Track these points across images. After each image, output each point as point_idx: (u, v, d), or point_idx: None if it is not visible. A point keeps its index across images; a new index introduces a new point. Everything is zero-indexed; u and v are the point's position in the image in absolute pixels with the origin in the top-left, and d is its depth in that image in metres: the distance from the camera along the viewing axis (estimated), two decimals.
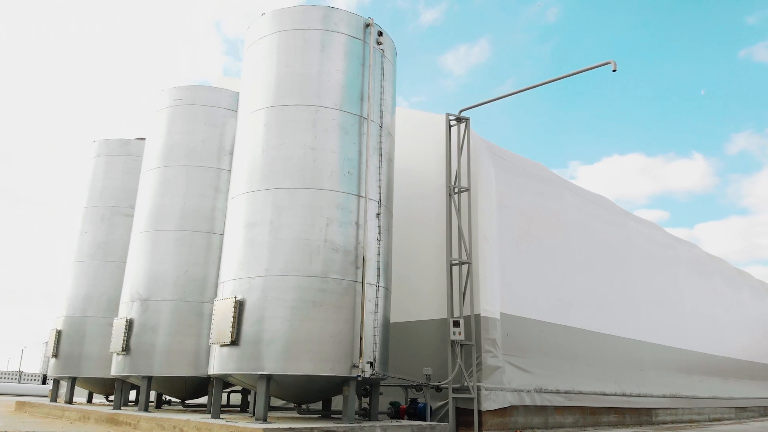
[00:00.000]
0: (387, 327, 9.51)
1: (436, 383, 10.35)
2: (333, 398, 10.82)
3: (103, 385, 14.71)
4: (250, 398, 12.33)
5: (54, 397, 15.32)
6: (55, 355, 14.42)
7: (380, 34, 10.42)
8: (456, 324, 10.30)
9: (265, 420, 8.19)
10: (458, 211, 11.21)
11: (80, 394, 17.15)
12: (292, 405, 11.76)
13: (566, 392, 12.14)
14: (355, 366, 8.56)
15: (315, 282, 8.66)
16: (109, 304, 14.54)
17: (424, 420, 10.03)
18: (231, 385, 12.24)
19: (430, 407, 10.31)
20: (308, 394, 9.23)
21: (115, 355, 11.78)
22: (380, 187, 9.75)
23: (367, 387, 9.67)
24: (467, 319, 10.66)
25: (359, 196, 9.39)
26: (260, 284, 8.69)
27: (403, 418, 10.38)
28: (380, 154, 9.93)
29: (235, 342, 8.51)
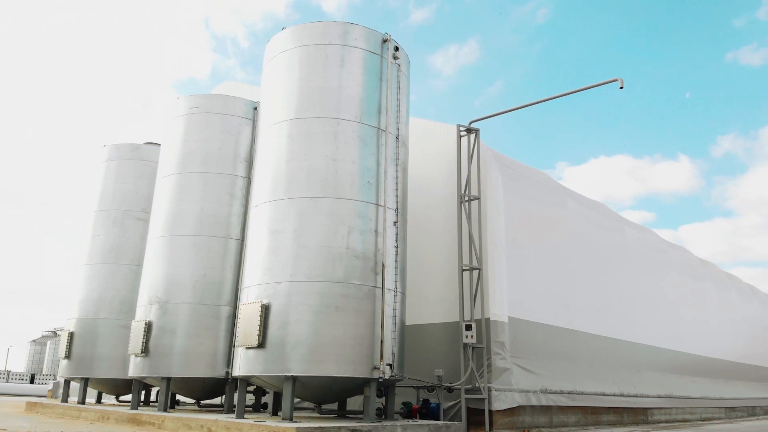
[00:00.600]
0: (403, 330, 9.94)
1: (448, 384, 10.78)
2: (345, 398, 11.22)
3: (115, 385, 14.99)
4: (265, 398, 12.72)
5: (65, 398, 15.55)
6: (68, 356, 14.67)
7: (396, 49, 10.86)
8: (468, 327, 10.75)
9: (290, 419, 8.58)
10: (469, 218, 11.66)
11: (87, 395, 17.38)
12: (304, 404, 12.19)
13: (569, 392, 12.64)
14: (375, 368, 8.98)
15: (337, 287, 9.07)
16: (122, 306, 14.85)
17: (436, 419, 10.47)
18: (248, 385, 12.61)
19: (442, 407, 10.73)
20: (330, 394, 9.64)
21: (133, 356, 12.08)
22: (397, 196, 10.19)
23: (382, 388, 10.09)
24: (477, 322, 11.11)
25: (378, 204, 9.81)
26: (285, 289, 9.07)
27: (415, 418, 10.80)
28: (397, 165, 10.36)
29: (261, 345, 8.89)
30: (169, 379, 11.58)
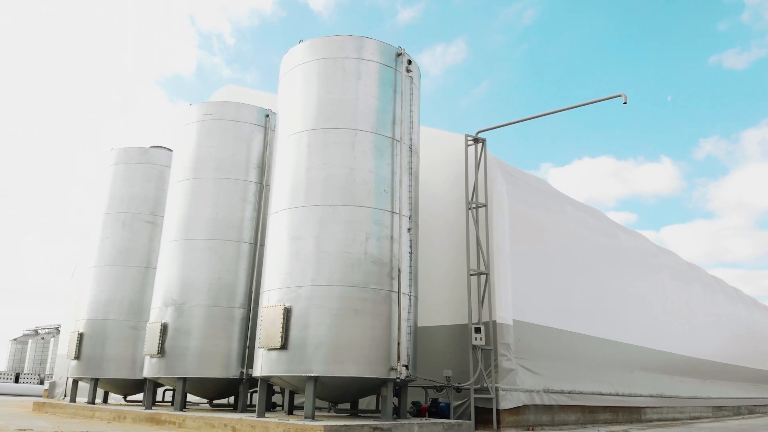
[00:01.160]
0: (416, 333, 10.37)
1: (457, 384, 11.23)
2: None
3: (124, 386, 15.24)
4: (277, 398, 13.07)
5: (73, 398, 15.76)
6: (77, 357, 14.90)
7: (409, 62, 11.30)
8: (477, 330, 11.22)
9: (312, 418, 8.97)
10: (476, 224, 12.13)
11: (83, 395, 17.58)
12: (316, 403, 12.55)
13: (569, 392, 13.17)
14: (393, 368, 9.41)
15: (356, 291, 9.48)
16: (131, 308, 15.13)
17: (445, 418, 10.91)
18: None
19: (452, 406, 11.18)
20: (348, 394, 10.06)
21: (148, 357, 12.37)
22: (410, 203, 10.63)
23: (396, 387, 10.51)
24: (485, 325, 11.58)
25: (393, 212, 10.24)
26: (306, 293, 9.47)
27: (424, 417, 11.24)
28: (410, 173, 10.81)
29: (284, 346, 9.27)
30: (185, 379, 11.90)
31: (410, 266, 10.25)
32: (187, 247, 12.62)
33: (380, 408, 11.27)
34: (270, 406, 13.43)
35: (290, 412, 11.24)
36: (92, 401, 14.71)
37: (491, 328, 11.57)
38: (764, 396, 28.62)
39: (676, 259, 23.91)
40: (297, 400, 13.19)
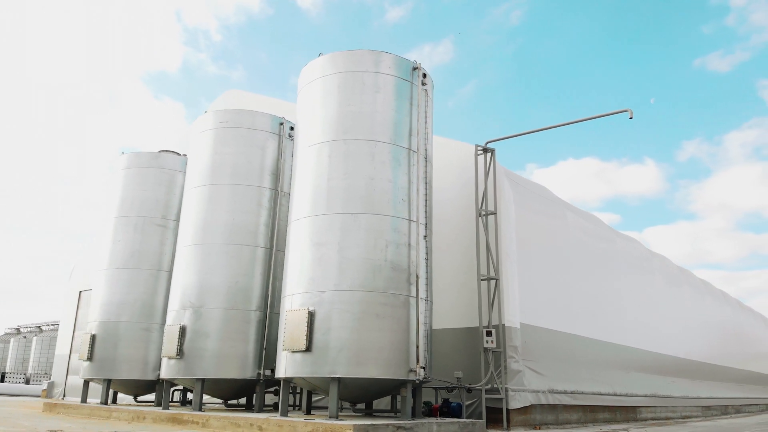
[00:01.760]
0: (431, 336, 10.83)
1: (467, 385, 11.71)
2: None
3: (135, 386, 15.52)
4: (284, 398, 13.44)
5: (84, 398, 16.00)
6: (90, 358, 15.14)
7: (424, 75, 11.76)
8: (489, 333, 11.71)
9: (336, 417, 9.39)
10: (486, 231, 12.62)
11: (92, 396, 17.75)
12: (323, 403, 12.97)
13: (572, 392, 13.72)
14: (411, 370, 9.86)
15: (378, 296, 9.92)
16: (143, 310, 15.42)
17: (457, 418, 11.38)
18: (274, 385, 13.38)
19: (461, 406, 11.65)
20: (369, 394, 10.49)
21: (166, 359, 12.69)
22: (426, 211, 11.08)
23: (413, 389, 10.95)
24: (495, 328, 12.07)
25: (410, 220, 10.68)
26: (330, 298, 9.88)
27: (436, 416, 11.70)
28: (426, 183, 11.26)
29: (308, 349, 9.68)
30: (203, 380, 12.24)
31: (426, 272, 10.70)
32: (204, 252, 12.96)
33: (393, 408, 11.78)
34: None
35: (308, 412, 11.64)
36: (105, 402, 14.97)
37: (501, 331, 12.06)
38: (750, 396, 29.53)
39: (667, 263, 24.64)
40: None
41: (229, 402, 13.98)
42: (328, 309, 9.84)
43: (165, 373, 12.71)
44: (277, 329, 12.67)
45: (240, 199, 13.31)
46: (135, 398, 16.38)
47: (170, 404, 15.50)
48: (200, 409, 12.04)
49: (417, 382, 9.90)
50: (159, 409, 12.65)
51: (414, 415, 10.69)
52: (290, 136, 14.31)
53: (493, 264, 12.42)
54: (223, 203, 13.26)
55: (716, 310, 28.12)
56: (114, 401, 16.45)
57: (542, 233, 14.80)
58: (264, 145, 13.94)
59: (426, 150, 11.49)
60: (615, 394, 15.73)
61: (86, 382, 16.08)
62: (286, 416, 10.04)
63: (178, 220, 16.23)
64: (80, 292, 27.90)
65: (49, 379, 30.86)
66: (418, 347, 9.95)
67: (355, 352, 9.57)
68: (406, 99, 11.32)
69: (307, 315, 9.82)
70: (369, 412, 11.85)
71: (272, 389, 13.99)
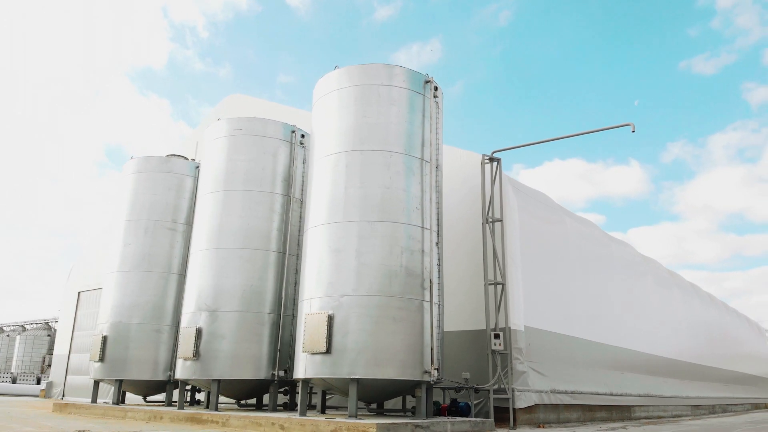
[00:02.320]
0: (443, 338, 11.31)
1: (475, 385, 12.21)
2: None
3: (145, 387, 15.83)
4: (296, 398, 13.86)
5: (94, 399, 16.28)
6: (101, 359, 15.43)
7: (436, 88, 12.24)
8: (497, 336, 12.22)
9: (356, 416, 9.83)
10: (493, 237, 13.14)
11: (79, 395, 17.91)
12: (332, 402, 13.42)
13: (572, 392, 14.28)
14: (426, 371, 10.33)
15: (394, 301, 10.38)
16: (154, 312, 15.74)
17: (465, 417, 11.88)
18: (285, 386, 13.79)
19: (469, 406, 12.15)
20: (384, 395, 10.95)
21: (182, 360, 13.04)
22: (437, 219, 11.57)
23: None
24: (501, 331, 12.59)
25: (423, 227, 11.17)
26: (348, 302, 10.33)
27: (444, 416, 12.18)
28: (437, 192, 11.75)
29: (328, 350, 10.12)
30: (219, 381, 12.62)
31: (438, 277, 11.18)
32: (219, 256, 13.33)
33: (404, 407, 12.25)
34: (292, 406, 14.27)
35: (323, 411, 12.07)
36: (117, 402, 15.27)
37: (507, 334, 12.58)
38: (735, 395, 30.39)
39: (657, 266, 25.36)
40: (315, 401, 14.04)
41: (242, 402, 14.34)
42: (347, 313, 10.28)
43: (181, 374, 13.06)
44: (290, 331, 13.18)
45: (253, 204, 13.70)
46: (144, 398, 16.68)
47: (174, 404, 15.87)
48: (216, 409, 12.42)
49: (431, 382, 10.37)
50: (174, 409, 13.00)
51: (426, 415, 11.18)
52: (302, 143, 14.74)
53: (500, 269, 12.94)
54: (237, 209, 13.64)
55: (704, 312, 28.92)
56: (122, 401, 16.75)
57: (543, 239, 15.34)
58: (276, 152, 14.34)
59: (437, 160, 11.97)
60: (611, 394, 16.33)
61: (96, 383, 16.36)
62: (305, 415, 10.46)
63: (187, 223, 16.65)
64: (79, 292, 28.07)
65: (48, 378, 30.95)
66: (432, 349, 10.43)
67: (373, 354, 10.03)
68: (419, 111, 11.80)
69: (326, 318, 10.26)
70: (380, 411, 12.29)
71: (282, 389, 14.41)
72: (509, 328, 12.70)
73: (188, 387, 16.62)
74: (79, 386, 25.94)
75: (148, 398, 16.70)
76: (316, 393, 13.40)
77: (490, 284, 12.86)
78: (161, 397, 16.76)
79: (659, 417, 19.61)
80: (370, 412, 11.93)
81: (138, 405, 15.41)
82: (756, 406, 34.30)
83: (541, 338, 13.90)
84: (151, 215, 16.44)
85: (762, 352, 40.80)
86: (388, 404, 12.88)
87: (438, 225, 11.55)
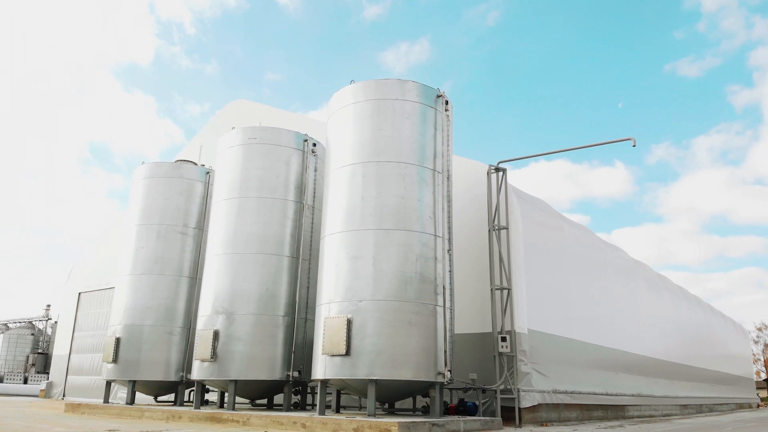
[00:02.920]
0: (454, 341, 11.89)
1: (483, 386, 12.80)
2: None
3: (157, 387, 16.23)
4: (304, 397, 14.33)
5: (106, 399, 16.65)
6: (115, 360, 15.81)
7: (447, 102, 12.83)
8: (504, 339, 12.83)
9: (374, 416, 10.37)
10: (499, 244, 13.75)
11: (78, 394, 18.18)
12: (340, 402, 13.91)
13: (571, 392, 14.94)
14: (440, 373, 10.91)
15: (410, 306, 10.95)
16: (167, 314, 16.17)
17: (473, 416, 12.46)
18: (298, 386, 14.29)
19: (476, 406, 12.74)
20: (400, 394, 11.51)
21: (199, 361, 13.48)
22: (449, 227, 12.14)
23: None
24: (507, 334, 13.19)
25: (436, 235, 11.74)
26: (366, 306, 10.87)
27: (452, 414, 12.76)
28: (448, 201, 12.33)
29: (347, 353, 10.66)
30: (236, 381, 13.09)
31: (450, 283, 11.76)
32: (235, 261, 13.79)
33: (414, 407, 12.83)
34: (303, 406, 14.78)
35: (337, 411, 12.59)
36: (131, 402, 15.65)
37: (512, 336, 13.19)
38: (720, 395, 31.36)
39: (648, 270, 26.17)
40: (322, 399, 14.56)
41: (255, 402, 14.81)
42: (365, 317, 10.83)
43: (198, 375, 13.50)
44: (303, 333, 13.69)
45: (268, 211, 14.17)
46: (155, 398, 17.08)
47: (185, 404, 16.32)
48: (233, 408, 12.88)
49: (445, 383, 10.95)
50: (191, 409, 13.43)
51: (439, 414, 11.74)
52: (313, 151, 15.24)
53: (506, 275, 13.55)
54: (252, 215, 14.11)
55: (691, 315, 29.81)
56: (132, 401, 17.12)
57: (544, 245, 15.98)
58: (288, 160, 14.83)
59: (448, 170, 12.55)
60: (607, 394, 17.03)
61: (108, 384, 16.72)
62: (324, 414, 10.99)
63: (198, 228, 17.10)
64: (80, 293, 28.30)
65: (47, 378, 31.09)
66: (445, 352, 11.01)
67: (390, 356, 10.58)
68: (431, 124, 12.38)
69: (346, 322, 10.80)
70: (392, 411, 12.84)
71: (293, 389, 14.89)
72: (514, 331, 13.31)
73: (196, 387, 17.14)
74: (80, 386, 26.22)
75: (160, 398, 17.10)
76: (330, 393, 13.90)
77: (496, 289, 13.46)
78: (168, 397, 17.20)
79: (651, 416, 20.37)
80: (383, 411, 12.48)
81: (149, 405, 15.82)
82: (740, 406, 35.36)
83: (543, 341, 14.53)
84: (162, 219, 16.85)
85: (745, 353, 41.95)
86: (398, 404, 13.44)
87: (449, 233, 12.13)
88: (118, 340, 15.94)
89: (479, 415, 12.47)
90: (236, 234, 14.02)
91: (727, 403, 32.52)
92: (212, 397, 17.59)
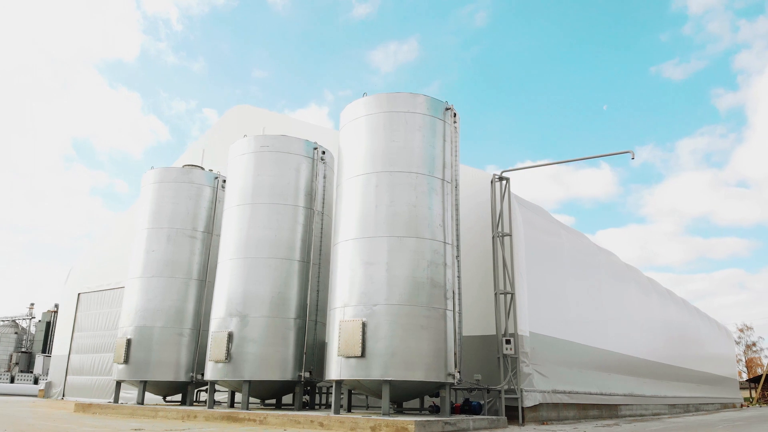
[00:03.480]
0: (462, 344, 12.46)
1: (488, 386, 13.39)
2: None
3: (167, 387, 16.64)
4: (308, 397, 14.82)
5: (117, 399, 17.00)
6: (126, 361, 16.19)
7: (455, 115, 13.40)
8: (508, 341, 13.42)
9: (389, 415, 10.90)
10: (503, 250, 14.35)
11: (79, 394, 18.47)
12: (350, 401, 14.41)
13: (569, 392, 15.58)
14: (450, 374, 11.48)
15: (422, 310, 11.50)
16: (177, 316, 16.58)
17: (477, 415, 13.04)
18: (307, 386, 14.77)
19: (481, 405, 13.33)
20: (411, 395, 12.05)
21: (213, 362, 13.92)
22: (457, 235, 12.71)
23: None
24: (511, 337, 13.79)
25: (445, 242, 12.30)
26: (380, 310, 11.41)
27: (458, 413, 13.32)
28: (456, 209, 12.90)
29: (362, 354, 11.18)
30: (249, 381, 13.55)
31: (458, 288, 12.33)
32: (248, 265, 14.26)
33: (421, 406, 13.38)
34: (311, 405, 15.27)
35: (348, 410, 13.10)
36: (141, 402, 16.04)
37: (516, 339, 13.79)
38: (706, 395, 32.30)
39: (638, 274, 26.97)
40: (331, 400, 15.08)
41: (266, 401, 15.27)
42: (379, 320, 11.36)
43: (212, 376, 13.94)
44: (314, 335, 14.19)
45: (279, 217, 14.65)
46: (164, 398, 17.47)
47: (194, 403, 16.74)
48: (247, 408, 13.34)
49: (455, 384, 11.51)
50: (205, 408, 13.86)
51: (449, 413, 12.29)
52: (322, 159, 15.74)
53: (509, 280, 14.15)
54: (264, 220, 14.58)
55: (678, 317, 30.70)
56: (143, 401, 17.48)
57: (544, 251, 16.61)
58: (299, 167, 15.31)
59: (456, 180, 13.12)
60: (602, 394, 17.72)
61: (118, 384, 17.07)
62: (339, 413, 11.50)
63: (206, 231, 17.54)
64: (79, 294, 28.49)
65: (46, 378, 31.17)
66: (455, 354, 11.58)
67: (404, 358, 11.12)
68: (440, 136, 12.95)
69: (361, 325, 11.32)
70: (400, 410, 13.37)
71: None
72: (517, 333, 13.91)
73: (204, 388, 17.56)
74: (80, 386, 26.44)
75: (169, 398, 17.49)
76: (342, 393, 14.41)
77: (500, 293, 14.05)
78: (175, 397, 17.61)
79: (641, 415, 21.11)
80: (393, 410, 12.99)
81: (162, 405, 16.22)
82: (725, 406, 36.38)
83: (543, 343, 15.15)
84: (172, 223, 17.25)
85: (729, 354, 43.05)
86: (405, 404, 13.98)
87: (457, 240, 12.70)
88: (129, 342, 16.32)
89: (484, 414, 13.05)
90: (249, 239, 14.48)
91: (713, 403, 33.48)
92: (217, 397, 17.99)
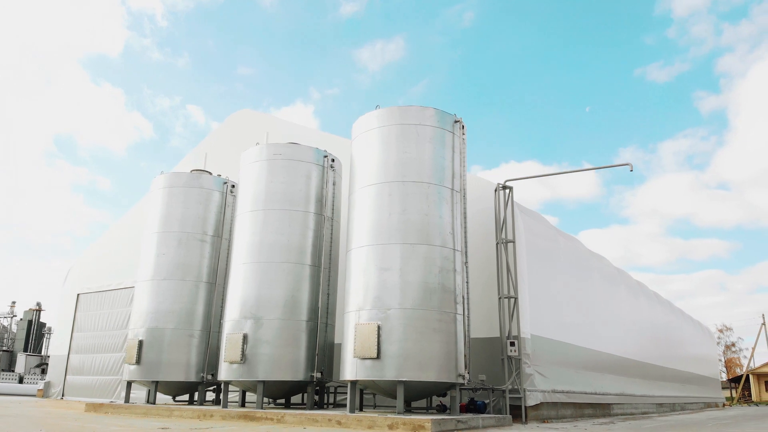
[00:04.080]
0: (470, 346, 13.10)
1: (493, 386, 14.05)
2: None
3: (177, 387, 17.09)
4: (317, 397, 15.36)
5: (127, 398, 17.40)
6: (138, 361, 16.61)
7: (463, 127, 14.04)
8: (512, 344, 14.09)
9: (403, 413, 11.50)
10: (506, 256, 15.01)
11: (79, 394, 18.80)
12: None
13: (567, 392, 16.30)
14: (460, 375, 12.11)
15: (434, 314, 12.12)
16: (188, 318, 17.03)
17: (482, 413, 13.68)
18: (317, 386, 15.31)
19: (485, 404, 13.99)
20: (423, 394, 12.67)
21: (227, 363, 14.41)
22: (465, 242, 13.35)
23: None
24: (515, 339, 14.47)
25: (455, 249, 12.93)
26: (394, 314, 12.00)
27: (463, 412, 13.95)
28: (464, 218, 13.53)
29: (378, 356, 11.77)
30: (264, 382, 14.06)
31: (467, 293, 12.97)
32: (261, 269, 14.76)
33: (428, 405, 13.99)
34: (321, 405, 15.81)
35: (360, 409, 13.68)
36: (153, 402, 16.47)
37: (519, 341, 14.47)
38: (690, 395, 33.37)
39: (627, 277, 27.87)
40: (339, 399, 15.65)
41: (278, 401, 15.78)
42: (393, 323, 11.96)
43: (226, 376, 14.43)
44: (325, 337, 14.75)
45: (291, 222, 15.17)
46: (173, 398, 17.90)
47: (205, 403, 17.19)
48: (261, 407, 13.85)
49: (464, 384, 12.15)
50: (219, 407, 14.34)
51: (451, 411, 12.93)
52: (332, 166, 16.29)
53: (512, 284, 14.82)
54: (276, 226, 15.09)
55: (664, 318, 31.69)
56: (151, 401, 17.89)
57: (543, 256, 17.32)
58: (309, 174, 15.85)
59: (464, 189, 13.76)
60: (596, 393, 18.48)
61: (129, 384, 17.47)
62: (354, 412, 12.07)
63: (215, 235, 18.02)
64: (78, 294, 28.71)
65: (13, 376, 31.33)
66: (465, 356, 12.21)
67: (417, 360, 11.73)
68: (450, 147, 13.58)
69: (376, 328, 11.91)
70: (409, 409, 13.98)
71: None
72: (520, 336, 14.58)
73: (211, 388, 18.03)
74: (80, 386, 26.69)
75: (178, 398, 17.93)
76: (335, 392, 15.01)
77: (504, 298, 14.71)
78: (183, 397, 18.05)
79: (632, 414, 21.94)
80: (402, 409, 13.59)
81: (174, 404, 16.65)
82: (708, 405, 37.50)
83: (543, 344, 15.84)
84: (183, 227, 17.69)
85: (711, 354, 44.29)
86: (413, 403, 14.58)
87: (465, 247, 13.33)
88: (141, 343, 16.73)
89: (488, 413, 13.71)
90: (262, 244, 14.99)
91: (697, 402, 34.55)
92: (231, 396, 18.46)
